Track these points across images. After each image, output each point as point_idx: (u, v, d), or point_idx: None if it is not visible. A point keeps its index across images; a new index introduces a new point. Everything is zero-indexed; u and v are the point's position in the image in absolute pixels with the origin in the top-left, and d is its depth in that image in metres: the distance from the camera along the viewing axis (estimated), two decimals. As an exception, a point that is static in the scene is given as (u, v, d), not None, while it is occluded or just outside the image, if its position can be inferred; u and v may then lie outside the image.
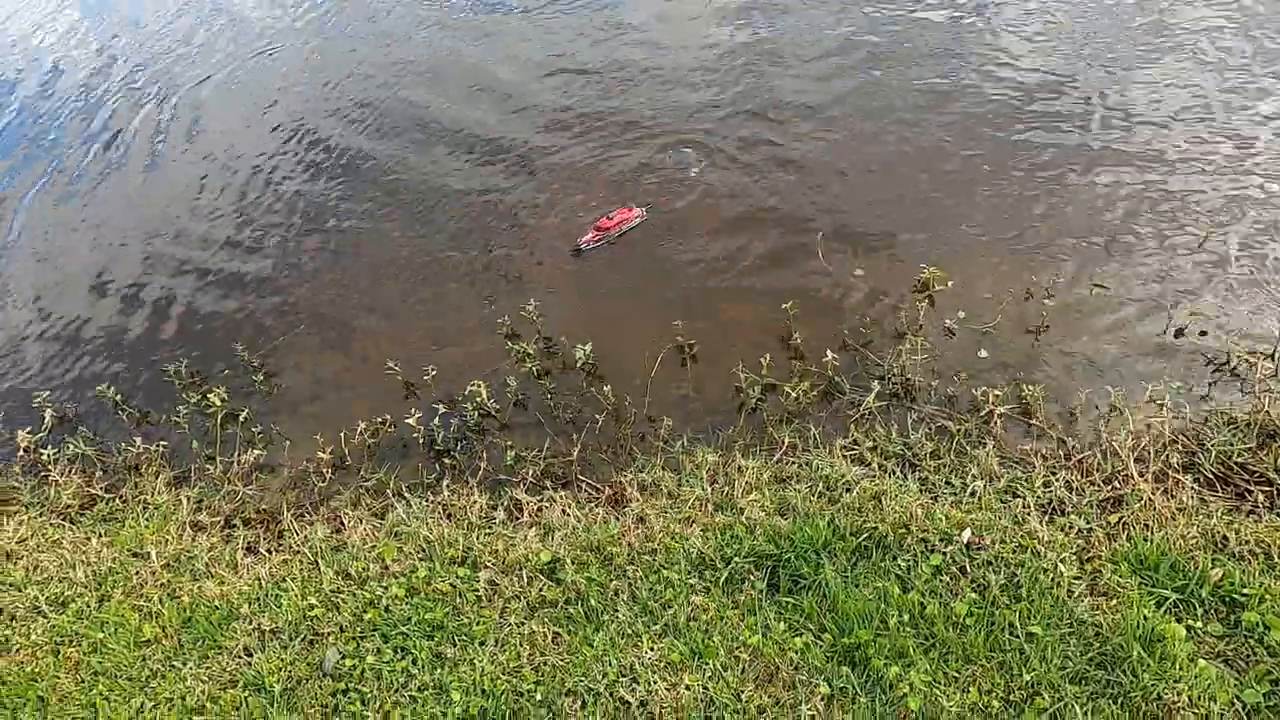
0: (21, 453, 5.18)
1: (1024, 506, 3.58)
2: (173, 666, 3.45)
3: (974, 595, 3.14)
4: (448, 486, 4.38)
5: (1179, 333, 4.62)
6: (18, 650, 3.67)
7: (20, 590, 4.05)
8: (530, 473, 4.45)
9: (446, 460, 4.68)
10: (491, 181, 6.71)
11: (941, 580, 3.24)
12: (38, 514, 4.69)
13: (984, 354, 4.73)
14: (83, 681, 3.46)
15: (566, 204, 6.34)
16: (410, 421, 4.70)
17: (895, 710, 2.82)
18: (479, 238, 6.21)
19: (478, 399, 4.81)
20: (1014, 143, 6.14)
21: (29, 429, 5.30)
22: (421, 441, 4.78)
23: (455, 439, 4.80)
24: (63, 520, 4.63)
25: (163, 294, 6.34)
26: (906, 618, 3.10)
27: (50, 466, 4.98)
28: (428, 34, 8.87)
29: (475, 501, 4.22)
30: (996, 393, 4.31)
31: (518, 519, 4.11)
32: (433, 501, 4.31)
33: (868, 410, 4.44)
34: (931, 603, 3.13)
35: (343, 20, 9.57)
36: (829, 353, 4.66)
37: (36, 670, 3.54)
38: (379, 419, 4.91)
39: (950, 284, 5.09)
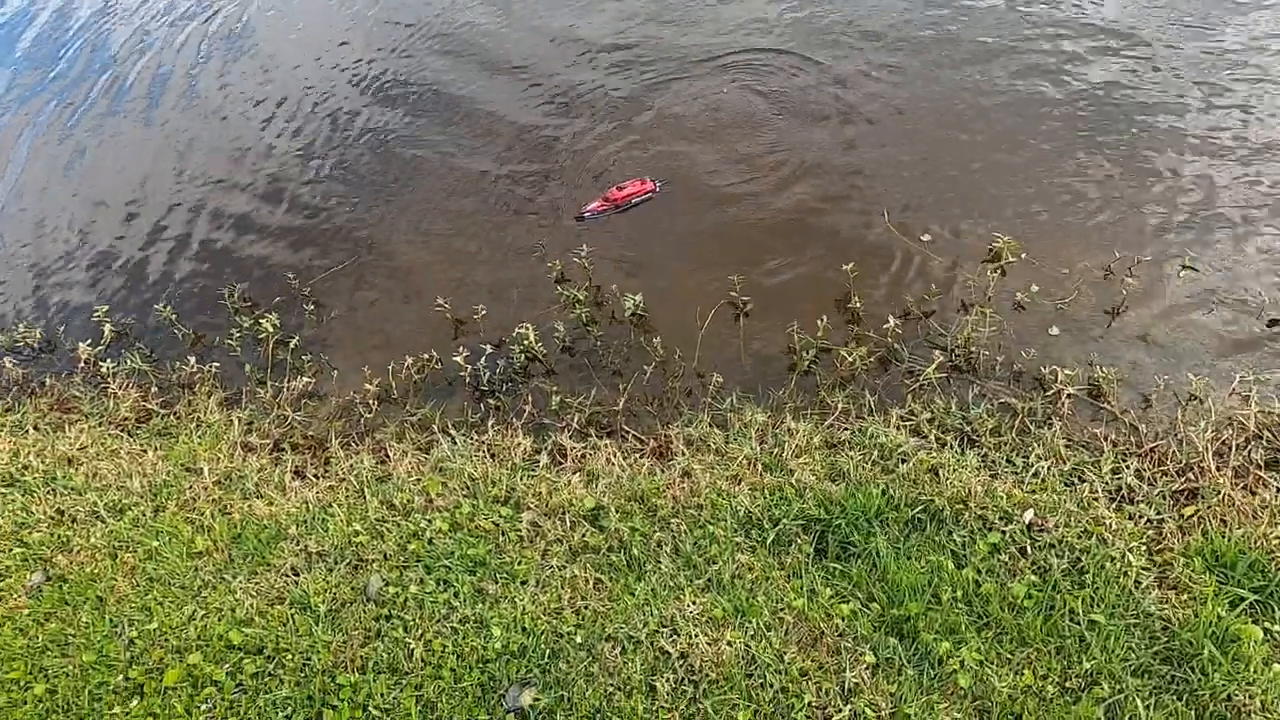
0: (82, 364, 5.33)
1: (1091, 492, 3.41)
2: (223, 579, 3.54)
3: (1034, 577, 3.02)
4: (493, 426, 4.36)
5: (1273, 323, 4.32)
6: (78, 551, 3.81)
7: (80, 494, 4.18)
8: (575, 419, 4.40)
9: (491, 401, 4.66)
10: (549, 121, 6.54)
11: (999, 559, 3.12)
12: (97, 424, 4.83)
13: (1055, 331, 4.49)
14: (138, 586, 3.57)
15: (625, 148, 6.16)
16: (458, 360, 4.68)
17: (943, 685, 2.75)
18: (537, 180, 6.08)
19: (525, 341, 4.76)
20: (1100, 112, 5.71)
21: (89, 341, 5.44)
22: (467, 380, 4.76)
23: (501, 380, 4.77)
24: (120, 431, 4.76)
25: (219, 219, 6.37)
26: (960, 594, 3.00)
27: (109, 379, 5.11)
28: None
29: (519, 444, 4.20)
30: (1067, 372, 4.10)
31: (561, 464, 4.09)
32: (477, 440, 4.30)
33: (927, 381, 4.27)
34: (987, 581, 3.02)
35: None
36: (890, 319, 4.47)
37: (95, 571, 3.67)
38: (425, 355, 4.90)
39: (1024, 255, 4.83)
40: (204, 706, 3.02)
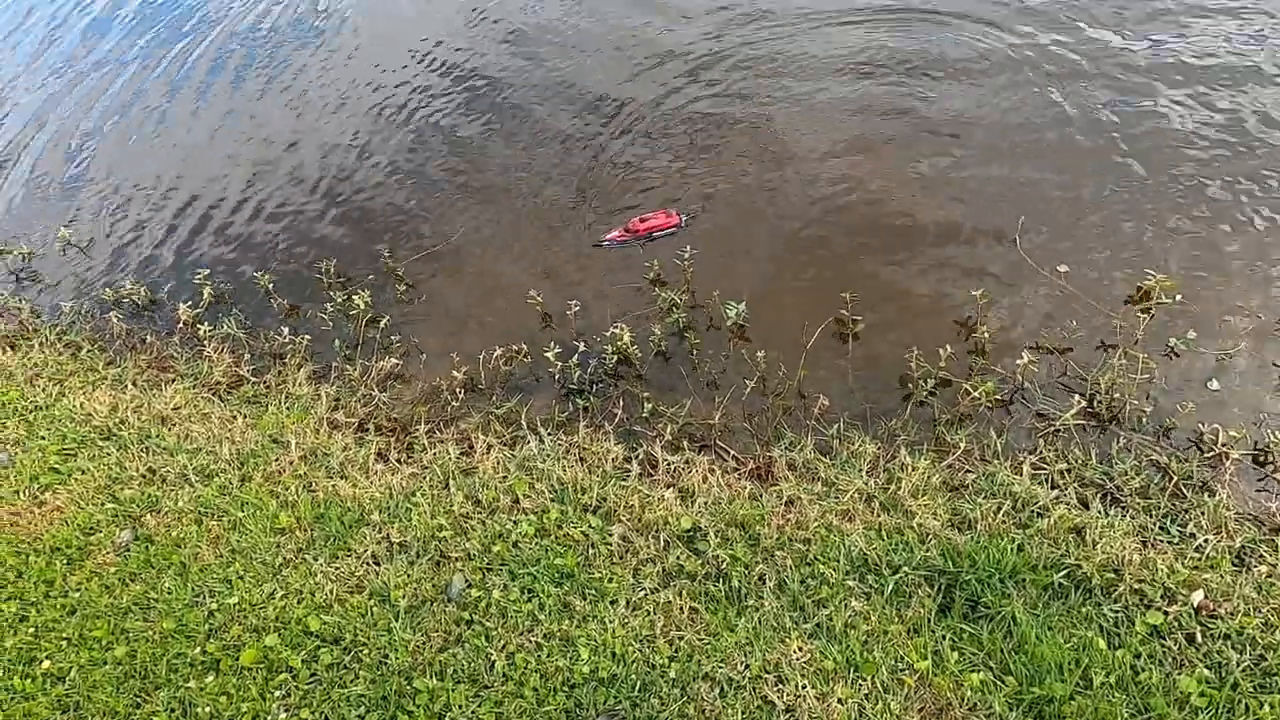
0: (181, 325, 5.41)
1: (1270, 576, 2.95)
2: (304, 559, 3.44)
3: (1207, 672, 2.61)
4: (583, 428, 4.16)
5: None
6: (166, 513, 3.79)
7: (172, 455, 4.19)
8: (667, 429, 4.16)
9: (579, 400, 4.47)
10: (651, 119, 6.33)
11: (1162, 645, 2.71)
12: (191, 385, 4.87)
13: (1215, 385, 3.99)
14: (221, 556, 3.51)
15: (736, 152, 5.91)
16: (549, 355, 4.50)
17: (1096, 786, 2.38)
18: (635, 179, 5.89)
19: (619, 342, 4.55)
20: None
21: (188, 302, 5.52)
22: (556, 377, 4.58)
23: (591, 380, 4.58)
24: (213, 395, 4.78)
25: (317, 192, 6.42)
26: (1114, 679, 2.61)
27: (205, 342, 5.16)
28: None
29: (610, 450, 3.98)
30: (1233, 433, 3.62)
31: (652, 476, 3.85)
32: (565, 442, 4.10)
33: (1063, 427, 3.85)
34: (1149, 668, 2.62)
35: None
36: (1024, 354, 4.07)
37: (181, 536, 3.64)
38: (515, 347, 4.75)
39: (1179, 297, 4.33)
40: (278, 694, 2.90)
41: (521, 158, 6.26)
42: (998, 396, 4.06)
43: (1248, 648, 2.67)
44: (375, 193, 6.29)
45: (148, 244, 6.37)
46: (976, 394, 3.98)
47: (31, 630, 3.29)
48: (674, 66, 6.75)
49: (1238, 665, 2.61)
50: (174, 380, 4.95)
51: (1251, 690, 2.55)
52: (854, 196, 5.36)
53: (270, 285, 5.51)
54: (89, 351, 5.34)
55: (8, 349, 5.44)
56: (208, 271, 5.72)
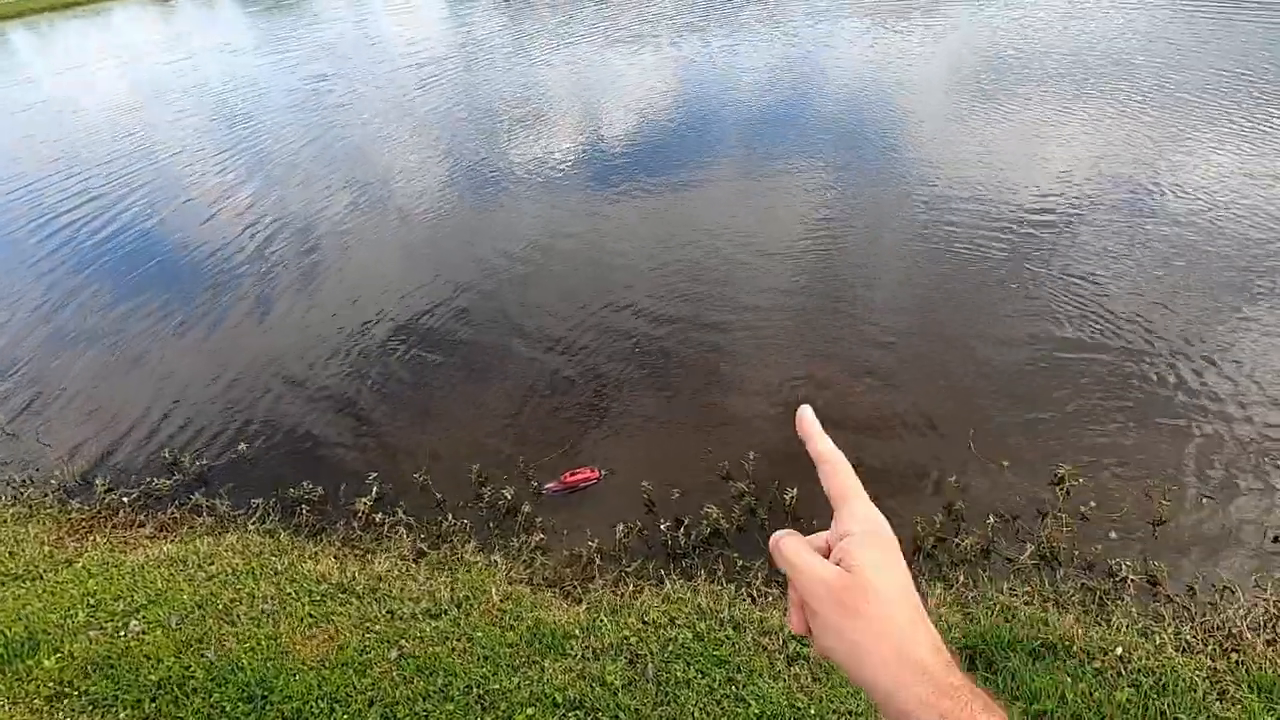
0: (361, 515, 7.10)
1: (1161, 641, 4.81)
2: (534, 661, 4.94)
3: (1130, 690, 4.36)
4: (701, 577, 5.92)
5: (1277, 539, 5.91)
6: (416, 639, 5.25)
7: (400, 602, 5.71)
8: (757, 578, 5.95)
9: (685, 561, 6.25)
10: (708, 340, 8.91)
11: (1103, 678, 4.47)
12: (386, 556, 6.47)
13: (1114, 535, 6.09)
14: (471, 662, 4.98)
15: (768, 370, 8.38)
16: (662, 528, 6.37)
17: (1079, 755, 4.00)
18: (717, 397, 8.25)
19: (711, 517, 6.48)
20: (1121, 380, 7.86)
21: (365, 498, 7.27)
22: (667, 544, 6.39)
23: (692, 546, 6.41)
24: (405, 562, 6.38)
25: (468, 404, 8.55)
26: (1078, 696, 4.32)
27: (382, 527, 6.84)
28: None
29: (722, 589, 5.73)
30: (1128, 563, 5.65)
31: (756, 601, 5.57)
32: (688, 585, 5.83)
33: (1022, 565, 5.82)
34: (1098, 690, 4.36)
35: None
36: (990, 517, 6.16)
37: (435, 652, 5.10)
38: (634, 523, 6.61)
39: (1081, 480, 6.60)
40: (551, 739, 4.31)
41: (620, 387, 8.60)
42: (976, 548, 6.06)
43: (1151, 676, 4.45)
44: (510, 409, 8.46)
45: (311, 452, 8.23)
46: (962, 546, 5.98)
47: (345, 716, 4.61)
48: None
49: (1148, 684, 4.37)
50: (365, 554, 6.55)
51: (1155, 696, 4.29)
52: (875, 415, 7.76)
53: (425, 481, 7.36)
54: (286, 536, 6.92)
55: (216, 536, 6.98)
56: (377, 474, 7.56)
